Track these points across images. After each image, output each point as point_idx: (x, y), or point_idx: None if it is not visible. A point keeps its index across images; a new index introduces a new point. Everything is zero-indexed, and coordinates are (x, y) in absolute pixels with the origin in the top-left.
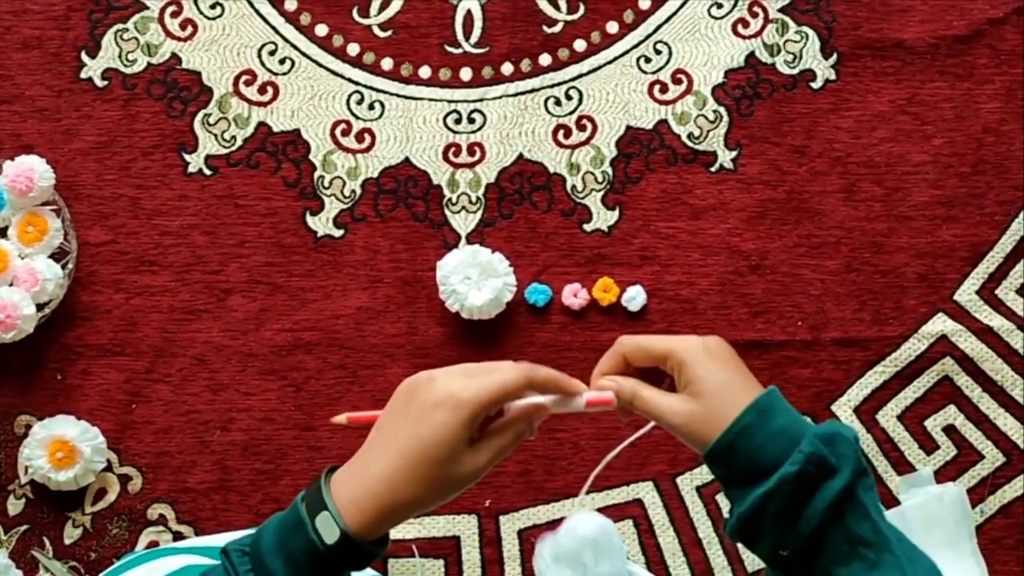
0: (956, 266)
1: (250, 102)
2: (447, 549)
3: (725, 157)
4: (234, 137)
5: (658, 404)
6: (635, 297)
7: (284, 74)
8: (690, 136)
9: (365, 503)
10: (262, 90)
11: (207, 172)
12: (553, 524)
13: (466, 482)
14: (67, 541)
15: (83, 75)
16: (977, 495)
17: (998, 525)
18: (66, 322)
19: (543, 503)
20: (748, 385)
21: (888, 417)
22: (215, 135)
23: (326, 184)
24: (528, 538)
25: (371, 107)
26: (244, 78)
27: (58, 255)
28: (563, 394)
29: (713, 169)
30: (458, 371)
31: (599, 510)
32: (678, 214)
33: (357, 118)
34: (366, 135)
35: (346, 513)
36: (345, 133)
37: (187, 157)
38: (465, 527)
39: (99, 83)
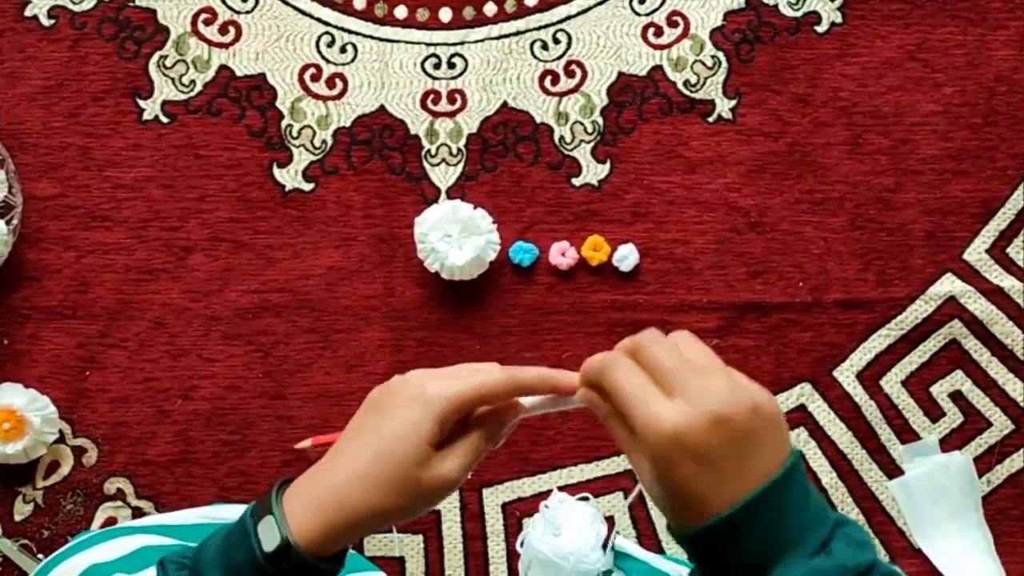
0: (966, 223)
1: (210, 43)
2: (426, 524)
3: (723, 106)
4: (193, 82)
5: (628, 451)
6: (627, 256)
7: (247, 12)
8: (686, 83)
9: (314, 510)
10: (223, 30)
11: (164, 120)
12: (539, 497)
13: (433, 491)
14: (17, 518)
15: (28, 13)
16: (984, 464)
17: (1005, 495)
18: (12, 282)
19: (528, 475)
20: (726, 484)
21: (892, 383)
22: (172, 79)
23: (294, 134)
24: (512, 512)
25: (343, 50)
26: (203, 17)
27: (2, 210)
28: (557, 392)
29: (710, 119)
30: (437, 372)
31: (586, 483)
32: (673, 167)
33: (328, 62)
34: (337, 80)
35: (292, 519)
36: (315, 78)
37: (142, 103)
38: (446, 500)
39: (45, 22)
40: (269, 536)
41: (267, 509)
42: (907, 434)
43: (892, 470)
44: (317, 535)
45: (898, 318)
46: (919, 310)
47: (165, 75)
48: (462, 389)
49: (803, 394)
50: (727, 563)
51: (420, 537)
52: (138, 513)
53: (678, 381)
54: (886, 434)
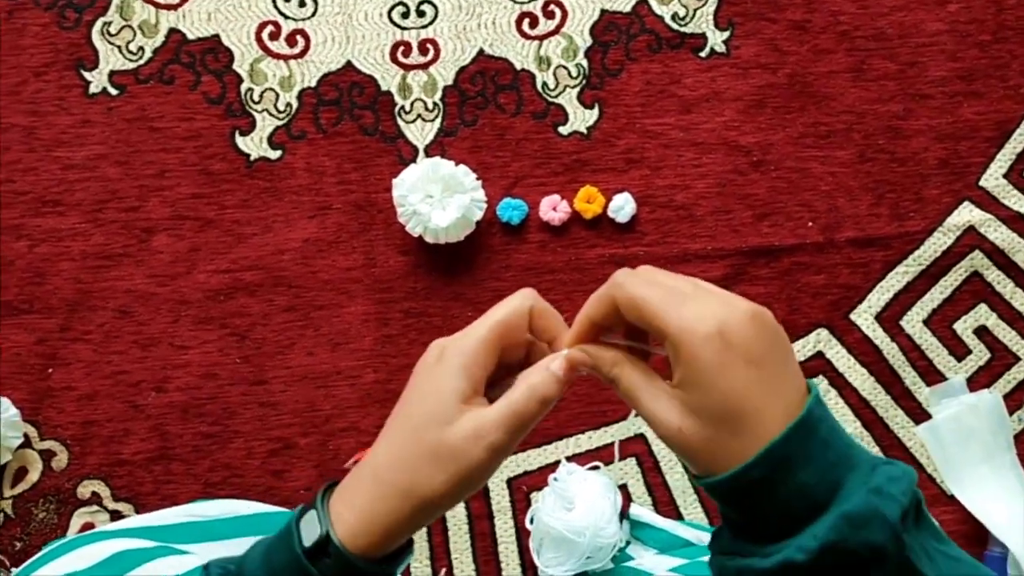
0: (981, 148)
1: (157, 5)
2: None
3: (716, 39)
4: (141, 48)
5: (646, 404)
6: (623, 206)
7: None
8: (675, 17)
9: (356, 502)
10: None
11: (113, 92)
12: (547, 470)
13: (470, 457)
14: None
15: None
16: (1015, 401)
17: None
18: None
19: (534, 447)
20: (777, 393)
21: (914, 322)
22: (118, 47)
23: (256, 98)
24: (519, 487)
25: (302, 3)
26: None
27: None
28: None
29: (703, 54)
30: (465, 328)
31: (596, 451)
32: (666, 108)
33: (286, 17)
34: (299, 37)
35: (336, 515)
36: (274, 36)
37: (87, 75)
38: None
39: None
40: (310, 532)
41: (311, 506)
42: (932, 376)
43: (919, 415)
44: (363, 530)
45: (915, 253)
46: (937, 243)
47: (110, 43)
48: (479, 332)
49: (820, 340)
50: (787, 497)
51: None
52: (116, 517)
53: (696, 291)
54: (910, 377)
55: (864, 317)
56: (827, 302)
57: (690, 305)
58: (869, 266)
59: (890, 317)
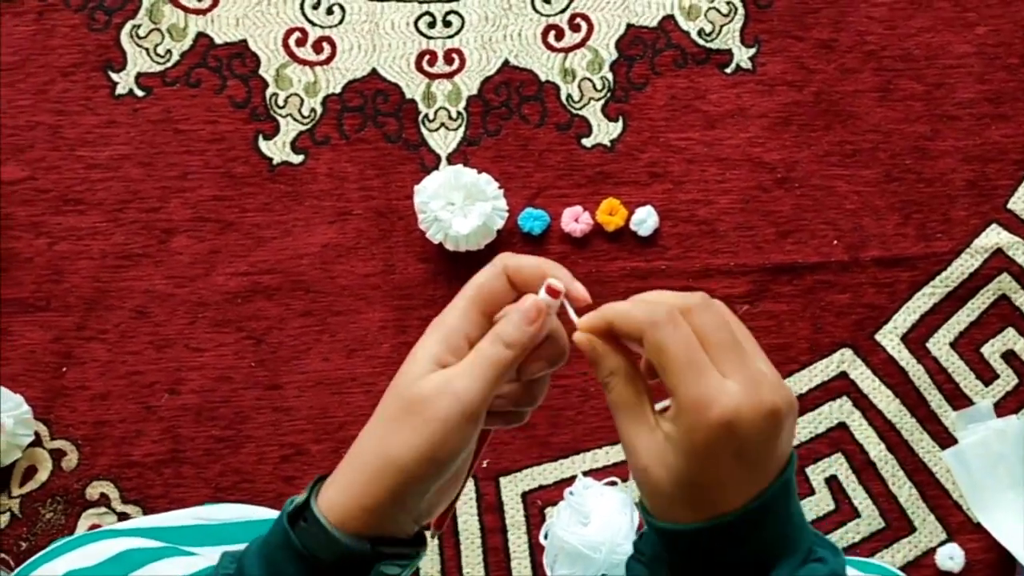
0: (1008, 170)
1: (186, 9)
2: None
3: (742, 55)
4: (169, 51)
5: (625, 428)
6: (645, 220)
7: None
8: (701, 33)
9: (338, 475)
10: None
11: (139, 93)
12: (562, 484)
13: (437, 409)
14: None
15: None
16: None
17: None
18: None
19: (549, 461)
20: (751, 479)
21: (940, 345)
22: (146, 50)
23: (280, 103)
24: (534, 501)
25: (329, 11)
26: None
27: None
28: (552, 293)
29: (729, 70)
30: None
31: (613, 467)
32: (691, 123)
33: (314, 25)
34: (325, 44)
35: (321, 490)
36: (300, 43)
37: (114, 77)
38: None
39: None
40: (295, 506)
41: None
42: (959, 400)
43: (945, 439)
44: (342, 502)
45: (942, 274)
46: (964, 265)
47: (139, 46)
48: (455, 303)
49: (844, 360)
50: (721, 562)
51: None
52: (124, 519)
53: (732, 359)
54: (936, 400)
55: (889, 338)
56: (851, 321)
57: (711, 380)
58: (895, 286)
59: (916, 339)
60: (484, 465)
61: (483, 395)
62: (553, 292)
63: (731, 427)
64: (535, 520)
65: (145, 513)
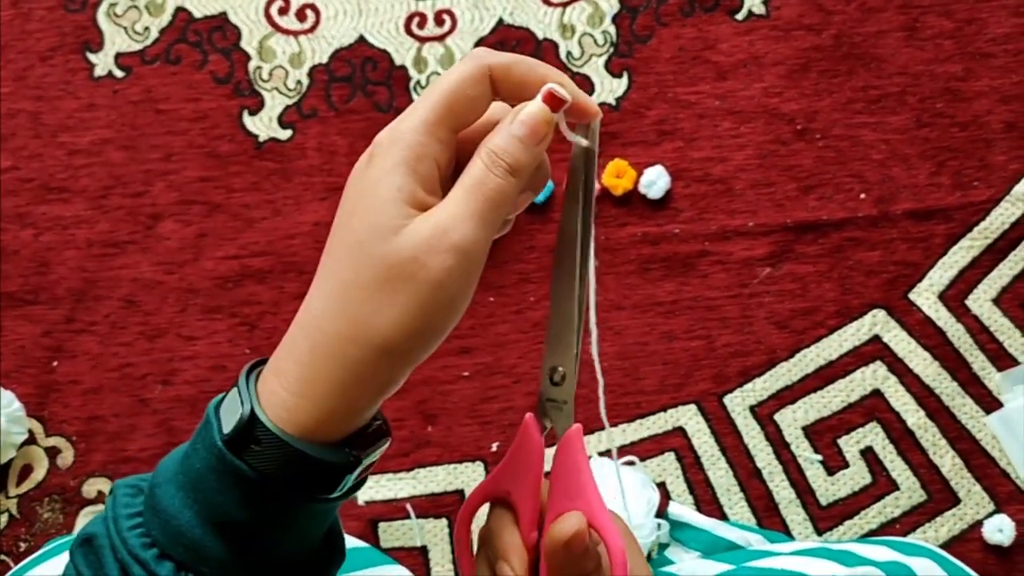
0: None
1: None
2: (450, 506)
3: (754, 0)
4: (147, 28)
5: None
6: (655, 181)
7: None
8: None
9: (290, 368)
10: None
11: (118, 74)
12: None
13: (431, 271)
14: None
15: None
16: None
17: None
18: None
19: None
20: None
21: (981, 302)
22: (124, 28)
23: (265, 76)
24: None
25: None
26: None
27: None
28: (552, 101)
29: (740, 16)
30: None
31: (631, 446)
32: (701, 75)
33: None
34: (308, 12)
35: (266, 392)
36: (282, 11)
37: (93, 58)
38: (470, 478)
39: None
40: (231, 418)
41: (234, 386)
42: (1003, 360)
43: (989, 403)
44: (301, 405)
45: (981, 225)
46: (1005, 214)
47: (116, 24)
48: (418, 112)
49: (876, 323)
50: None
51: (443, 521)
52: None
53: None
54: (979, 362)
55: (925, 296)
56: (883, 280)
57: None
58: (929, 240)
59: (954, 296)
60: (494, 449)
61: (487, 242)
62: (555, 101)
63: None
64: None
65: None
